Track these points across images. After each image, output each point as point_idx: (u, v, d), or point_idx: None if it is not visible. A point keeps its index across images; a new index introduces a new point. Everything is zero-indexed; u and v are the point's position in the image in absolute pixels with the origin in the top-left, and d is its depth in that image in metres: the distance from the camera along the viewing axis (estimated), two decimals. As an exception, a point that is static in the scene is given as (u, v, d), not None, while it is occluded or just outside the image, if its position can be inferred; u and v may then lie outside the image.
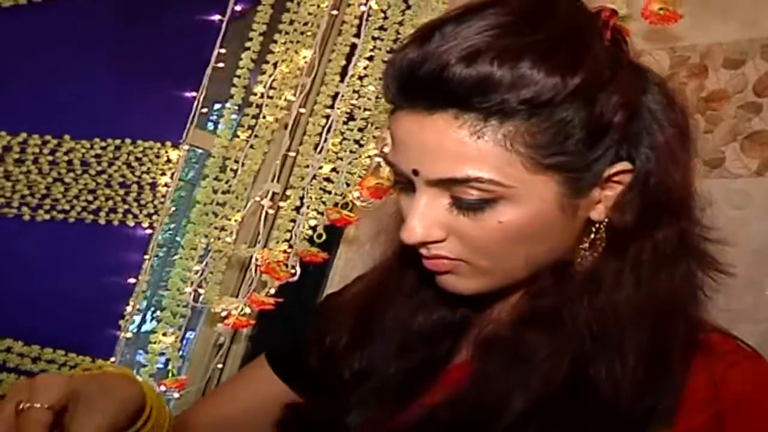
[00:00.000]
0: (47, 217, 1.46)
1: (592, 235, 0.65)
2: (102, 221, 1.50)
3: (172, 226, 1.73)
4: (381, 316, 0.73)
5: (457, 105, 0.58)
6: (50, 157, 1.48)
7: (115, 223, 1.51)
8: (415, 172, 0.61)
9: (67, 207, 1.48)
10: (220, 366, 1.57)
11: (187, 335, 1.59)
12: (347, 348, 0.73)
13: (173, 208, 1.57)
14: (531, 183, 0.59)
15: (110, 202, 1.51)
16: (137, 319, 1.61)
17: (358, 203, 1.39)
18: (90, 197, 1.49)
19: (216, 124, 1.73)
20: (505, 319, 0.68)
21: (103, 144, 1.50)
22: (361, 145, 1.48)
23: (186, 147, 1.56)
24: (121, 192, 1.52)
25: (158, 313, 1.51)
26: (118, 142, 1.51)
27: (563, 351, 0.63)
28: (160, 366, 1.48)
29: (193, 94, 1.54)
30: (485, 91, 0.57)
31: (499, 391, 0.63)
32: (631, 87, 0.64)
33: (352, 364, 0.72)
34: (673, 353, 0.63)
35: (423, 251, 0.64)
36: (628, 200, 0.64)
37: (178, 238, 1.75)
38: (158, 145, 1.53)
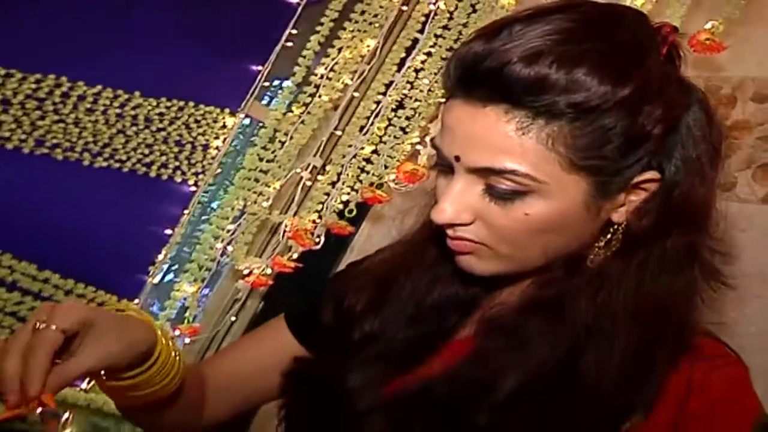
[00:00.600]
0: (105, 164, 1.65)
1: (609, 236, 0.73)
2: (152, 174, 1.70)
3: (213, 187, 1.93)
4: (399, 286, 0.82)
5: (510, 101, 0.65)
6: (118, 110, 1.67)
7: (164, 177, 1.72)
8: (457, 158, 0.70)
9: (124, 158, 1.67)
10: (233, 319, 1.76)
11: (207, 288, 1.77)
12: (362, 312, 0.83)
13: (219, 170, 1.80)
14: (563, 181, 0.67)
15: (163, 158, 1.71)
16: (165, 267, 1.80)
17: (392, 185, 1.57)
18: (146, 151, 1.69)
19: (273, 98, 1.94)
20: (511, 303, 0.76)
21: (168, 104, 1.70)
22: (405, 133, 1.65)
23: (242, 116, 1.79)
24: (176, 150, 1.73)
25: (186, 264, 1.72)
26: (182, 103, 1.71)
27: (560, 339, 0.70)
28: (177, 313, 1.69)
29: (259, 68, 1.76)
30: (539, 92, 0.64)
31: (494, 369, 0.71)
32: (675, 102, 0.71)
33: (364, 326, 0.81)
34: (659, 353, 0.70)
35: (449, 232, 0.73)
36: (649, 207, 0.72)
37: (216, 200, 1.96)
38: (217, 110, 1.75)
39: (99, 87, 1.67)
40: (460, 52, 0.70)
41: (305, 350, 0.90)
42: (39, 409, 0.65)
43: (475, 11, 1.72)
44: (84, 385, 1.62)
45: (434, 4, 1.73)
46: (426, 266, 0.82)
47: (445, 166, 0.73)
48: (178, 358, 0.77)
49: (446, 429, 0.71)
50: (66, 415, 1.53)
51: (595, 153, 0.67)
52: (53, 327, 0.66)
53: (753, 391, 0.73)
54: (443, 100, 1.48)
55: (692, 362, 0.71)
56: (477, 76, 0.67)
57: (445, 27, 1.72)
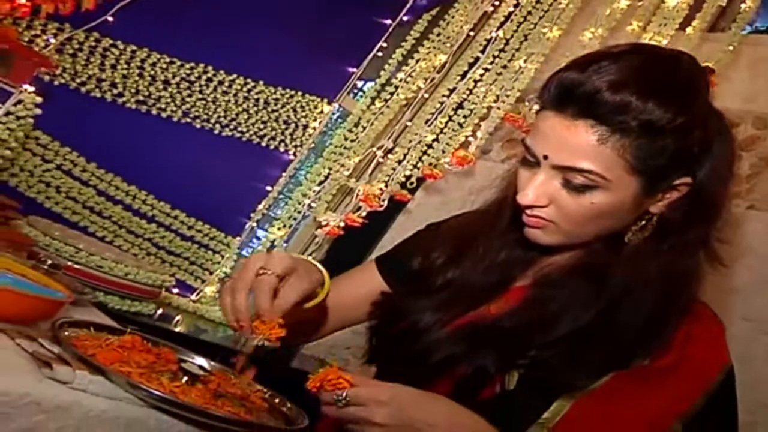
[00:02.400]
0: (230, 134, 1.99)
1: (645, 222, 0.85)
2: (264, 143, 2.05)
3: (307, 158, 2.25)
4: (476, 245, 0.93)
5: (596, 118, 0.78)
6: (245, 94, 1.98)
7: (271, 147, 2.07)
8: (545, 157, 0.81)
9: (244, 129, 2.01)
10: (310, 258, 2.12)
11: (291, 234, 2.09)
12: (444, 263, 0.94)
13: (313, 145, 2.13)
14: (624, 180, 0.80)
15: (273, 132, 2.06)
16: (262, 215, 2.11)
17: (446, 166, 1.92)
18: (261, 125, 2.04)
19: (360, 94, 2.23)
20: (562, 265, 0.88)
21: (283, 91, 2.05)
22: (461, 127, 2.00)
23: (336, 105, 2.11)
24: (283, 127, 2.08)
25: (278, 212, 2.10)
26: (293, 92, 2.06)
27: (600, 298, 0.81)
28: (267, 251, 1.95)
29: (354, 70, 2.10)
30: (621, 113, 0.77)
31: (547, 314, 0.82)
32: (712, 128, 0.83)
33: (446, 275, 0.92)
34: (673, 314, 0.82)
35: (527, 211, 0.84)
36: (681, 204, 0.83)
37: (308, 167, 2.27)
38: (318, 99, 2.10)
39: (234, 75, 1.99)
40: (559, 77, 0.80)
41: (390, 287, 1.02)
42: (280, 333, 0.81)
43: (525, 40, 2.07)
44: (193, 296, 2.02)
45: (495, 32, 2.08)
46: (498, 233, 0.92)
47: (531, 161, 0.84)
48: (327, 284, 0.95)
49: (505, 356, 0.82)
50: (178, 317, 1.83)
51: (652, 162, 0.79)
52: (270, 272, 0.82)
53: (726, 345, 0.85)
54: (494, 104, 1.83)
55: (691, 322, 0.83)
56: (573, 98, 0.78)
57: (501, 50, 2.07)
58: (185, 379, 0.79)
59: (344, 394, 0.74)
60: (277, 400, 0.87)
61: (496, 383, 0.82)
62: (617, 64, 0.79)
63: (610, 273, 0.83)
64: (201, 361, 0.88)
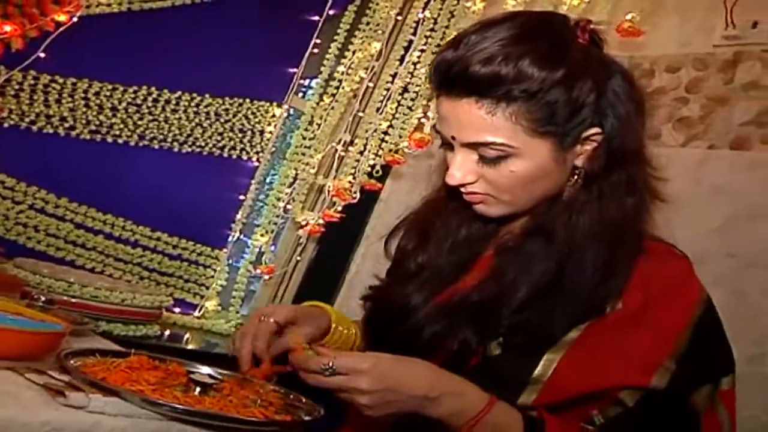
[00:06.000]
0: (190, 150, 1.95)
1: (575, 177, 0.85)
2: (225, 155, 2.01)
3: (271, 162, 2.21)
4: (436, 228, 0.94)
5: (477, 93, 0.78)
6: (195, 109, 1.95)
7: (234, 156, 2.03)
8: (453, 138, 0.83)
9: (203, 143, 1.97)
10: (298, 259, 2.09)
11: (275, 238, 2.07)
12: (413, 249, 0.95)
13: (273, 149, 2.11)
14: (531, 145, 0.80)
15: (232, 142, 2.02)
16: (242, 224, 2.07)
17: (406, 150, 1.90)
18: (218, 137, 2.00)
19: (307, 92, 2.20)
20: (516, 232, 0.89)
21: (231, 101, 2.00)
22: (411, 110, 1.97)
23: (286, 106, 2.10)
24: (240, 135, 2.03)
25: (258, 220, 2.07)
26: (241, 100, 2.01)
27: (551, 255, 0.81)
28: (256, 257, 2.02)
29: (294, 70, 2.07)
30: (497, 84, 0.77)
31: (507, 281, 0.82)
32: (599, 75, 0.82)
33: (417, 260, 0.93)
34: (621, 256, 0.81)
35: (462, 189, 0.85)
36: (598, 154, 0.83)
37: (274, 170, 2.25)
38: (267, 104, 2.06)
39: (179, 92, 1.96)
40: (435, 62, 0.81)
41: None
42: (269, 372, 0.88)
43: (453, 16, 2.05)
44: (196, 313, 1.98)
45: (422, 13, 2.06)
46: (452, 213, 0.93)
47: (447, 144, 0.86)
48: (347, 331, 0.99)
49: (481, 327, 0.82)
50: (186, 335, 1.81)
51: (548, 121, 0.79)
52: (271, 320, 0.90)
53: (695, 276, 0.84)
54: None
55: (646, 259, 0.82)
56: (450, 79, 0.79)
57: (431, 29, 2.05)
58: (197, 389, 0.77)
59: (330, 364, 0.75)
60: (291, 396, 0.87)
61: (479, 353, 0.82)
62: (486, 37, 0.79)
63: (554, 230, 0.83)
64: (208, 370, 0.87)
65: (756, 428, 1.29)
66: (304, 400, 0.86)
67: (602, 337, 0.79)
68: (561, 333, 0.79)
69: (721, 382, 0.81)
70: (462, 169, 0.84)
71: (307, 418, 0.80)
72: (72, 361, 0.76)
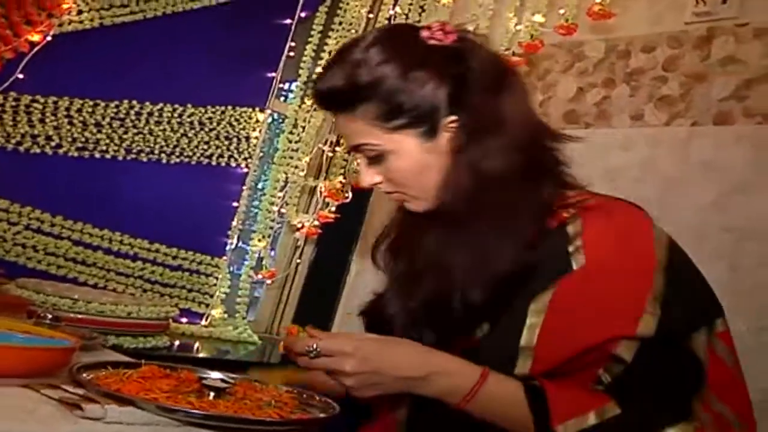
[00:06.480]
0: (177, 160, 1.93)
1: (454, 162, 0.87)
2: (213, 163, 2.00)
3: (260, 167, 2.21)
4: (404, 236, 0.96)
5: (335, 109, 0.89)
6: (178, 119, 1.93)
7: (223, 164, 2.02)
8: (348, 147, 0.92)
9: (190, 153, 1.96)
10: (298, 262, 2.10)
11: (273, 242, 2.08)
12: (390, 260, 0.97)
13: (261, 154, 2.10)
14: (393, 140, 0.86)
15: (219, 150, 2.00)
16: (240, 230, 2.06)
17: None
18: (205, 146, 1.98)
19: (288, 95, 2.19)
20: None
21: (214, 109, 1.99)
22: None
23: (269, 111, 2.09)
24: (226, 143, 2.02)
25: (254, 225, 2.06)
26: (223, 108, 2.00)
27: (458, 231, 0.85)
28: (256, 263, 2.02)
29: (273, 74, 2.04)
30: (340, 100, 0.87)
31: (442, 270, 0.85)
32: (447, 69, 0.86)
33: (395, 270, 0.95)
34: (520, 216, 0.83)
35: (382, 191, 0.92)
36: (460, 135, 0.87)
37: (265, 175, 2.25)
38: (250, 109, 2.04)
39: (160, 104, 1.95)
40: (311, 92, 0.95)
41: None
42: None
43: (423, 11, 2.07)
44: (203, 321, 1.98)
45: (392, 9, 2.07)
46: (406, 212, 0.95)
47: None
48: None
49: (438, 327, 0.85)
50: (196, 344, 1.81)
51: (398, 116, 0.85)
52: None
53: (650, 221, 0.83)
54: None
55: (593, 214, 0.83)
56: (321, 102, 0.92)
57: None
58: (211, 394, 0.78)
59: (314, 346, 0.77)
60: (305, 396, 0.87)
61: (473, 338, 0.84)
62: (336, 63, 0.89)
63: (452, 208, 0.87)
64: (219, 375, 0.87)
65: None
66: (318, 398, 0.87)
67: (577, 295, 0.79)
68: (532, 288, 0.80)
69: (716, 324, 0.81)
70: (367, 173, 0.91)
71: (322, 415, 0.80)
72: (85, 375, 0.77)
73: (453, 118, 0.87)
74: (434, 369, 0.79)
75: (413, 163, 0.87)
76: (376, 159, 0.89)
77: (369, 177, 0.91)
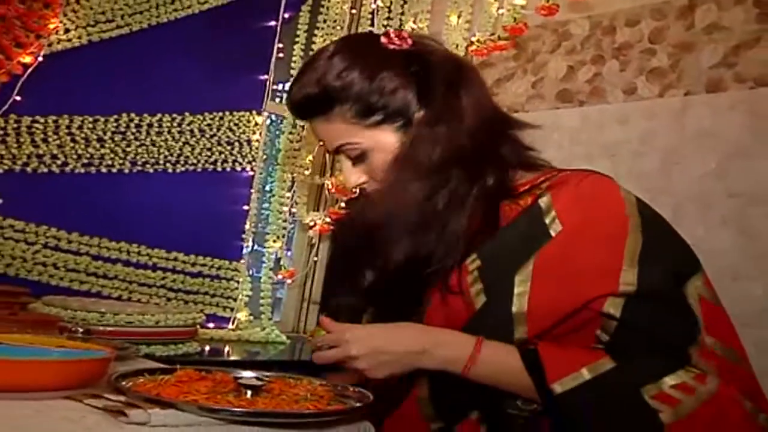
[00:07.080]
0: (183, 169, 1.92)
1: None
2: (219, 168, 1.99)
3: (266, 169, 2.22)
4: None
5: (312, 115, 0.93)
6: (179, 128, 1.92)
7: (228, 169, 2.01)
8: (329, 149, 0.96)
9: (195, 161, 1.95)
10: (315, 259, 2.13)
11: (289, 242, 2.10)
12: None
13: (265, 156, 2.11)
14: (374, 137, 0.91)
15: (222, 155, 1.99)
16: (254, 233, 2.06)
17: None
18: (209, 153, 1.97)
19: (282, 96, 2.17)
20: None
21: (212, 116, 1.98)
22: None
23: (266, 113, 2.07)
24: (228, 147, 2.00)
25: (267, 227, 2.07)
26: (221, 114, 1.99)
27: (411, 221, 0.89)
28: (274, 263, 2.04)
29: (265, 77, 2.04)
30: (315, 106, 0.91)
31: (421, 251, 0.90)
32: (405, 67, 0.92)
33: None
34: (492, 191, 0.89)
35: (369, 191, 0.94)
36: (428, 126, 0.91)
37: (271, 177, 2.24)
38: (248, 113, 2.03)
39: (159, 114, 1.94)
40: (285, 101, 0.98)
41: None
42: None
43: (405, 2, 2.06)
44: (230, 325, 1.99)
45: (374, 3, 2.07)
46: None
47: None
48: None
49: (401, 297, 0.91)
50: (227, 348, 1.83)
51: (369, 115, 0.90)
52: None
53: (614, 184, 0.87)
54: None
55: (561, 187, 0.86)
56: (296, 111, 0.97)
57: (388, 18, 2.07)
58: (249, 392, 0.79)
59: (320, 342, 0.86)
60: (339, 388, 0.88)
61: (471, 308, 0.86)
62: (305, 74, 0.94)
63: (377, 195, 0.92)
64: (253, 374, 0.88)
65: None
66: (352, 389, 0.87)
67: (559, 259, 0.82)
68: (515, 261, 0.83)
69: (699, 273, 0.84)
70: (351, 174, 0.94)
71: (358, 404, 0.81)
72: (124, 383, 0.79)
73: (420, 114, 0.92)
74: (432, 342, 0.83)
75: (390, 157, 0.91)
76: (359, 158, 0.92)
77: (354, 177, 0.94)
